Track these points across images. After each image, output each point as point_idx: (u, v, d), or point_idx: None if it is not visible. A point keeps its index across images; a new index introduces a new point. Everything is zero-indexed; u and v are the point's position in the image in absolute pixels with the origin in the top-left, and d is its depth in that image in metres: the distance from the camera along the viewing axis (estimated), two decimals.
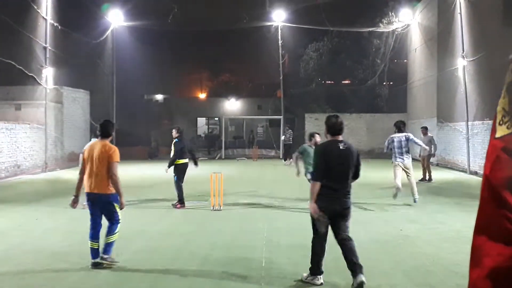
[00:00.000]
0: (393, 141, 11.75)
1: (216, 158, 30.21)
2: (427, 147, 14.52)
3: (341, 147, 5.71)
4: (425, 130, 17.19)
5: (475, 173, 18.05)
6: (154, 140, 32.13)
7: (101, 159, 6.55)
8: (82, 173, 6.73)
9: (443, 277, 6.12)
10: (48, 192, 14.78)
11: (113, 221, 6.67)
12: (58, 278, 6.18)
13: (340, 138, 5.81)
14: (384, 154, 29.45)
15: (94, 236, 6.64)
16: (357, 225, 9.47)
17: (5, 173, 18.47)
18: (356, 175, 5.91)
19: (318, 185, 5.67)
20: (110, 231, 6.65)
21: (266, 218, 9.85)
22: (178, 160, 11.37)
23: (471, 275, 1.11)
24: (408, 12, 27.89)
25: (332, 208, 5.69)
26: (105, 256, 6.58)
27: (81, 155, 6.75)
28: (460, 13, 20.11)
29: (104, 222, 6.75)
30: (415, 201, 11.80)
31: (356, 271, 5.55)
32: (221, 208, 11.00)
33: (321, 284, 5.91)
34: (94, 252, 6.61)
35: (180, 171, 11.49)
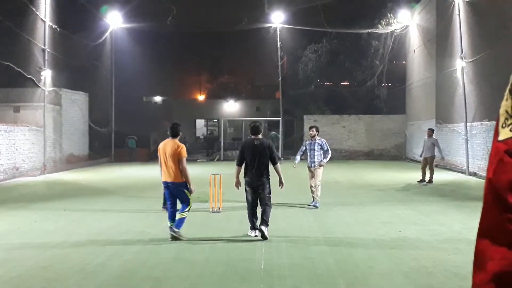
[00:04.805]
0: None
1: (215, 159, 30.20)
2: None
3: (255, 143, 8.39)
4: (429, 131, 16.96)
5: (474, 174, 18.06)
6: (153, 142, 32.15)
7: (172, 155, 8.10)
8: (161, 165, 8.32)
9: (443, 278, 6.11)
10: (47, 194, 14.76)
11: (186, 203, 8.22)
12: (58, 279, 6.16)
13: (259, 136, 8.53)
14: (383, 156, 29.68)
15: (171, 217, 8.23)
16: (356, 226, 9.49)
17: (3, 175, 18.45)
18: (273, 162, 8.42)
19: (238, 168, 8.56)
20: (182, 209, 8.18)
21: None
22: None
23: (475, 280, 1.10)
24: (406, 13, 27.91)
25: (251, 183, 8.39)
26: (176, 230, 8.04)
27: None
28: (459, 14, 20.13)
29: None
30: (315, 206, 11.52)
31: (262, 223, 8.21)
32: (220, 209, 10.99)
33: (255, 236, 8.26)
34: (171, 229, 8.17)
35: None
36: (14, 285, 5.97)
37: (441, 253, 7.34)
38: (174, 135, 8.35)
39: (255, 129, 8.61)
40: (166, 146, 8.25)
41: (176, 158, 8.11)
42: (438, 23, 23.35)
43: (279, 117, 31.07)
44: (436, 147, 16.49)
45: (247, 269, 6.60)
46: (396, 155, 29.85)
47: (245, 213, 8.75)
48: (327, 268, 6.65)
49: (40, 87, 22.00)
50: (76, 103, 25.69)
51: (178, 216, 8.14)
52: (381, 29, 28.97)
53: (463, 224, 9.37)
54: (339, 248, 7.74)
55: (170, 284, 6.03)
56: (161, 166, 8.35)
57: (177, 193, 8.28)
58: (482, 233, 1.10)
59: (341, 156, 30.10)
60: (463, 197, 13.49)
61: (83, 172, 22.13)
